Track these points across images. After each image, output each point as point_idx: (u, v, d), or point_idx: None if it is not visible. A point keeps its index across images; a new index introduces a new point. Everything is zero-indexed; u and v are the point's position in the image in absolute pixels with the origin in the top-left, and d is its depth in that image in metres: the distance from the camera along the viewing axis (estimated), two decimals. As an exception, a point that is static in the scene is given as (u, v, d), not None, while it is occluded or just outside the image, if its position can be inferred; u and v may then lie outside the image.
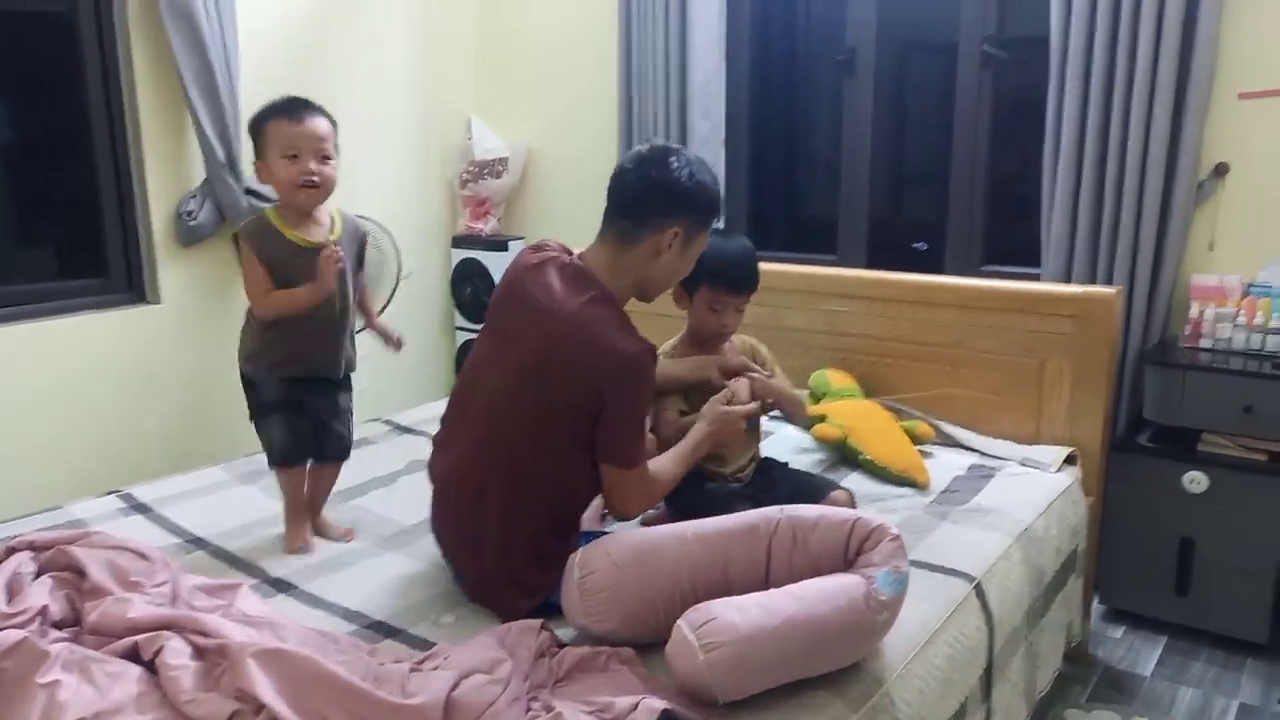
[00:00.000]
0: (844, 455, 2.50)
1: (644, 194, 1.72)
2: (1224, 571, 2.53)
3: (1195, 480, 2.53)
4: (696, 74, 3.40)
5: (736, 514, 1.62)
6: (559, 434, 1.70)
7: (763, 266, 2.08)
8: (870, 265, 3.32)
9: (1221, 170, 2.68)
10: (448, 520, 1.84)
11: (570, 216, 3.96)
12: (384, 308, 3.20)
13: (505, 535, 1.73)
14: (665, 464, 1.83)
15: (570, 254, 1.80)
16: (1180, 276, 2.73)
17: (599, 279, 1.72)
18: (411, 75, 3.82)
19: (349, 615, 1.75)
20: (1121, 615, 2.75)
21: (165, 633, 1.49)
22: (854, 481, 2.38)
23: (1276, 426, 2.41)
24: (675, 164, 1.72)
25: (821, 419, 2.51)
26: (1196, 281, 2.67)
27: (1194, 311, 2.64)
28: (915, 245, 3.39)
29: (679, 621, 1.41)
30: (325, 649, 1.52)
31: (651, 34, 3.47)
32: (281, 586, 1.86)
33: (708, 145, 3.45)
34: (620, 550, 1.55)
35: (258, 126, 1.98)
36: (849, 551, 1.53)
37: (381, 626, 1.71)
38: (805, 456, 2.51)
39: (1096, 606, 2.73)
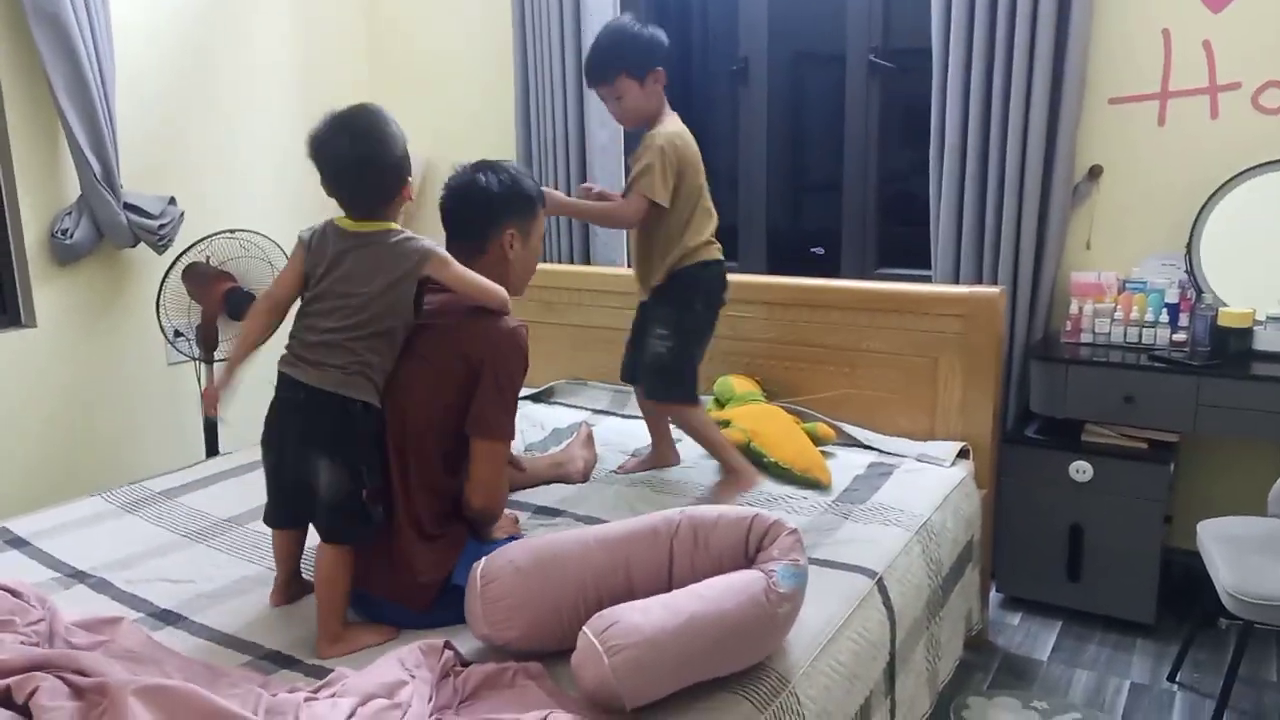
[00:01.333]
0: (749, 459, 2.52)
1: (471, 213, 1.93)
2: (1112, 556, 2.65)
3: (1081, 469, 2.64)
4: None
5: (638, 517, 1.62)
6: (437, 404, 1.75)
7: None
8: (770, 271, 3.38)
9: (1095, 173, 2.81)
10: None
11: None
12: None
13: (393, 519, 1.74)
14: None
15: None
16: (1060, 275, 2.86)
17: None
18: (303, 90, 3.73)
19: (242, 646, 1.68)
20: (1018, 602, 2.84)
21: (39, 674, 1.41)
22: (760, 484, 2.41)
23: (1154, 415, 2.53)
24: (484, 180, 1.92)
25: (726, 424, 2.53)
26: (1076, 279, 2.79)
27: (1074, 308, 2.76)
28: (813, 250, 3.46)
29: (584, 629, 1.39)
30: (215, 683, 1.46)
31: (547, 47, 3.47)
32: (169, 619, 1.77)
33: (607, 154, 3.46)
34: (523, 557, 1.53)
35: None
36: (749, 548, 1.54)
37: (277, 656, 1.65)
38: (711, 462, 2.53)
39: (994, 595, 2.82)
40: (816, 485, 2.39)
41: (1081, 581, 2.69)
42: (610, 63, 2.23)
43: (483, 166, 1.94)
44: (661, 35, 2.28)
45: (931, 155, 2.92)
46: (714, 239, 2.36)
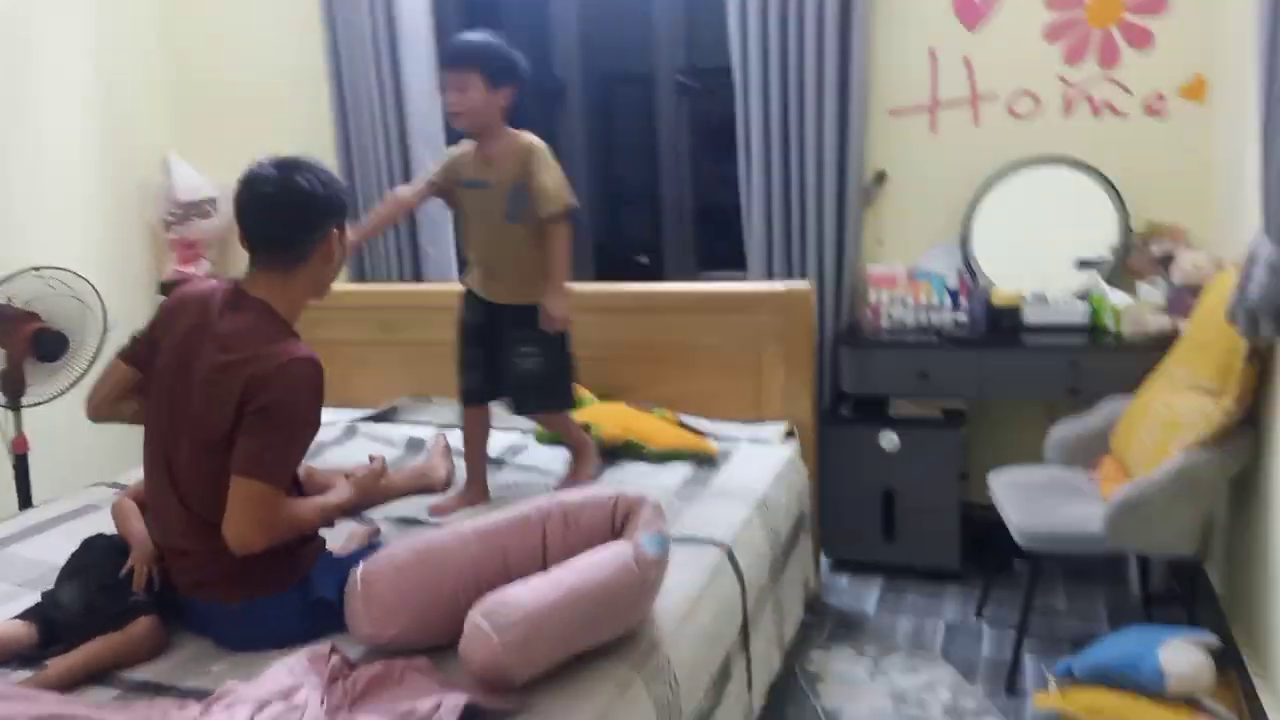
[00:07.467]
0: (630, 452, 2.64)
1: (292, 219, 1.75)
2: (920, 515, 2.97)
3: (889, 439, 2.94)
4: (413, 108, 3.46)
5: (509, 508, 1.72)
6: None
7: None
8: (598, 281, 3.54)
9: (881, 177, 3.15)
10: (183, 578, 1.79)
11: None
12: (92, 363, 2.95)
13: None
14: (306, 506, 1.78)
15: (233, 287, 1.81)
16: (859, 268, 3.18)
17: (274, 309, 1.76)
18: (99, 120, 3.57)
19: (108, 680, 1.64)
20: (844, 564, 3.13)
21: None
22: (626, 471, 2.56)
23: (945, 387, 2.88)
24: (304, 182, 1.74)
25: (587, 427, 2.63)
26: (872, 272, 3.12)
27: (873, 297, 3.08)
28: (638, 259, 3.65)
29: (470, 612, 1.48)
30: (101, 711, 1.44)
31: (364, 73, 3.47)
32: (23, 661, 1.70)
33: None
34: (402, 554, 1.60)
35: None
36: (615, 524, 1.68)
37: (148, 686, 1.62)
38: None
39: (824, 560, 3.09)
40: (708, 457, 2.59)
41: (896, 540, 3.00)
42: (471, 54, 2.25)
43: (292, 166, 1.75)
44: (525, 66, 2.32)
45: (740, 165, 3.18)
46: None
